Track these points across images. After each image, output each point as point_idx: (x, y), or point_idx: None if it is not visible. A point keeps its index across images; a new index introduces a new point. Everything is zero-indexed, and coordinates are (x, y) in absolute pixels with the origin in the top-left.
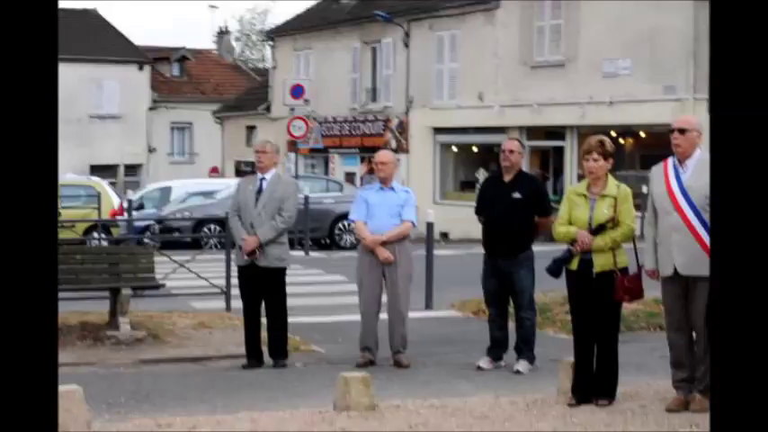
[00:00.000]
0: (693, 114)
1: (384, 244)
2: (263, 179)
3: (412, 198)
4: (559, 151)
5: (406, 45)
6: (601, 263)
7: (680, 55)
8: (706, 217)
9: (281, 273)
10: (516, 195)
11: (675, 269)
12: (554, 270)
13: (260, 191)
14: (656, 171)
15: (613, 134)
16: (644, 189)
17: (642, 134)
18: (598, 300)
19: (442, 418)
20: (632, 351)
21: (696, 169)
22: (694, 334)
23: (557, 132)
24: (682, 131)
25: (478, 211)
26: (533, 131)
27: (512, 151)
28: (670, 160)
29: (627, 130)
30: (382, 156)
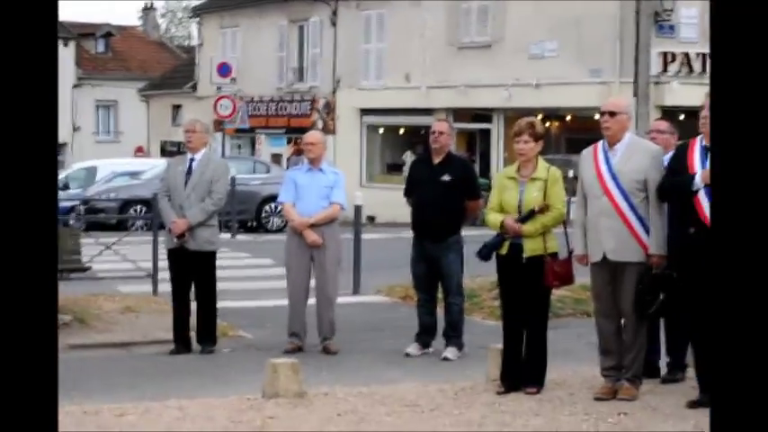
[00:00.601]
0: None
1: (312, 227)
2: (192, 160)
3: (341, 180)
4: (486, 134)
5: (334, 24)
6: (531, 248)
7: (606, 38)
8: (635, 201)
9: (210, 256)
10: (446, 178)
11: (605, 254)
12: (484, 254)
13: (189, 172)
14: (585, 155)
15: (539, 117)
16: (570, 173)
17: (568, 117)
18: (528, 285)
19: (371, 406)
20: (559, 338)
21: (626, 153)
22: (623, 320)
23: (483, 115)
24: (612, 114)
25: (407, 193)
26: (460, 113)
27: (441, 133)
28: (600, 144)
29: (553, 113)
30: (311, 136)
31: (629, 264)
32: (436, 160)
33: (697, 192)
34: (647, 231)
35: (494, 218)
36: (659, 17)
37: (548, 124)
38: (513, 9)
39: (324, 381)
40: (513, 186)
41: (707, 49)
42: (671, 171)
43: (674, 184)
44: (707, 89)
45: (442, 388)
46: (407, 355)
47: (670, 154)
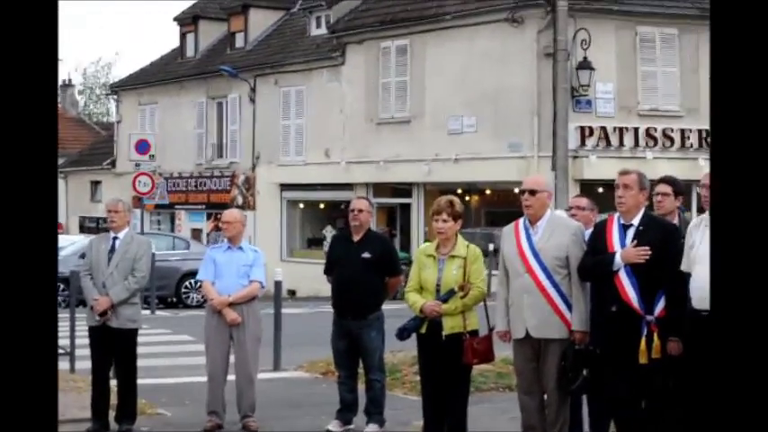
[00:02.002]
0: (538, 172)
1: (232, 305)
2: (116, 238)
3: (261, 258)
4: (406, 208)
5: (252, 100)
6: (450, 325)
7: (524, 112)
8: (558, 279)
9: (132, 334)
10: (366, 255)
11: (527, 331)
12: (404, 337)
13: (112, 250)
14: (507, 231)
15: (459, 191)
16: (490, 247)
17: (487, 191)
18: (447, 362)
19: None
20: (482, 413)
21: (547, 230)
22: (546, 396)
23: (403, 189)
24: (532, 192)
25: (327, 271)
26: (380, 188)
27: (361, 210)
28: (521, 221)
29: (472, 188)
30: (229, 215)
31: (552, 340)
32: (356, 238)
33: (617, 271)
34: (570, 308)
35: (414, 299)
36: (576, 92)
37: (467, 198)
38: (432, 84)
39: None
40: (432, 264)
41: (623, 124)
42: (591, 250)
43: (595, 263)
44: (623, 164)
45: None
46: (328, 431)
47: (590, 230)
